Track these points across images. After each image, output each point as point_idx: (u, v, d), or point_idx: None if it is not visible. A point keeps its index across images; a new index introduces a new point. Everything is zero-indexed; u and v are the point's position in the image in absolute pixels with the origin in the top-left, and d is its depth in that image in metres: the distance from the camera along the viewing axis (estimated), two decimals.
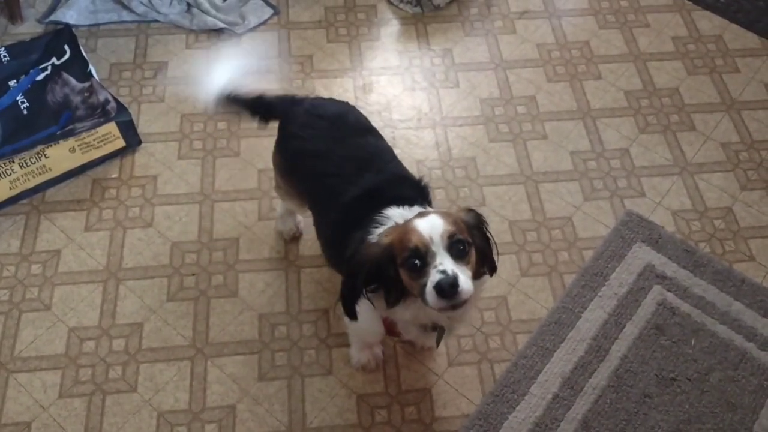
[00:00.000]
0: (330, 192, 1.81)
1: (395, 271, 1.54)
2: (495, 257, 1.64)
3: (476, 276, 1.59)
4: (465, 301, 1.48)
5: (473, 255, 1.54)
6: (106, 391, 2.08)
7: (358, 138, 1.90)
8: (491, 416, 2.04)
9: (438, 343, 2.00)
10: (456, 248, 1.49)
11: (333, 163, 1.83)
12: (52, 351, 2.15)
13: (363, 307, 1.67)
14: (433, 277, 1.45)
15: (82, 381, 2.09)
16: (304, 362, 2.15)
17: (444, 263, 1.46)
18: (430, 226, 1.49)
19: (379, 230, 1.63)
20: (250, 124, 2.66)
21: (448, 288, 1.43)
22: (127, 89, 2.78)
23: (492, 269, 1.66)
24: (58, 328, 2.19)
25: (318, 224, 1.95)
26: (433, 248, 1.47)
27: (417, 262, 1.49)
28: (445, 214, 1.54)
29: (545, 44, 3.02)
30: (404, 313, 1.65)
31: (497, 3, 3.15)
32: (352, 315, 1.67)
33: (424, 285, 1.47)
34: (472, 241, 1.54)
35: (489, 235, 1.63)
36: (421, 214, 1.56)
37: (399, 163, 1.90)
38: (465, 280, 1.45)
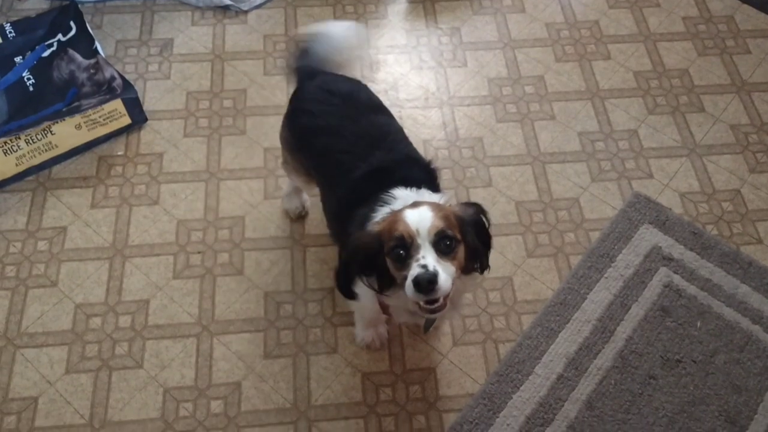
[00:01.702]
0: (340, 168, 1.80)
1: (383, 260, 1.55)
2: (488, 256, 1.65)
3: (466, 271, 1.60)
4: (443, 298, 1.50)
5: (461, 252, 1.54)
6: (112, 367, 2.09)
7: (371, 116, 1.89)
8: (495, 396, 2.04)
9: (426, 329, 2.01)
10: (442, 244, 1.49)
11: (344, 139, 1.82)
12: (59, 327, 2.16)
13: (360, 285, 1.69)
14: (414, 270, 1.46)
15: (89, 357, 2.11)
16: (309, 340, 2.16)
17: (427, 257, 1.47)
18: (419, 218, 1.49)
19: (384, 209, 1.63)
20: (256, 102, 2.66)
21: (425, 283, 1.44)
22: (132, 66, 2.76)
23: (483, 267, 1.65)
24: (65, 305, 2.20)
25: (325, 199, 1.95)
26: (419, 241, 1.48)
27: (401, 252, 1.50)
28: (437, 207, 1.53)
29: (554, 23, 2.99)
30: (390, 299, 1.67)
31: None
32: (349, 295, 1.71)
33: (406, 277, 1.48)
34: (462, 238, 1.54)
35: (488, 233, 1.62)
36: (414, 204, 1.56)
37: (409, 144, 1.90)
38: (445, 278, 1.46)
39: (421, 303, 1.52)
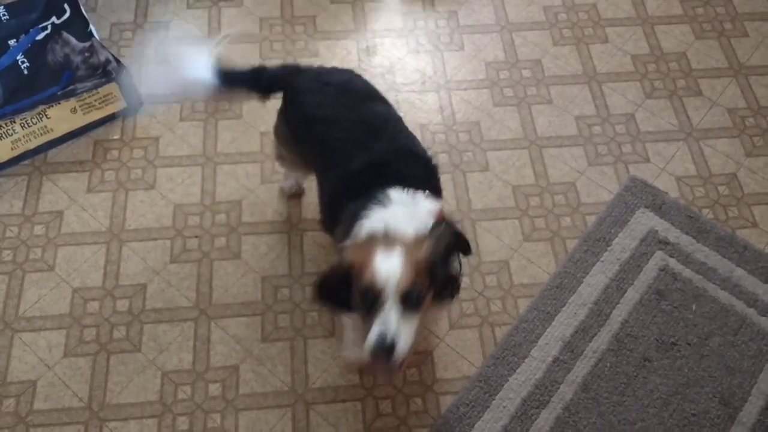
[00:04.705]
0: (338, 156, 1.78)
1: (349, 288, 1.53)
2: (459, 284, 1.64)
3: (436, 300, 1.58)
4: (399, 361, 1.48)
5: (429, 299, 1.53)
6: (110, 351, 2.10)
7: (368, 104, 1.87)
8: (492, 378, 2.06)
9: None
10: (410, 300, 1.47)
11: (343, 128, 1.80)
12: (57, 311, 2.16)
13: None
14: (374, 331, 1.45)
15: (87, 341, 2.11)
16: (306, 324, 2.16)
17: (390, 317, 1.45)
18: (388, 270, 1.46)
19: (377, 210, 1.62)
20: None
21: (382, 352, 1.44)
22: (127, 49, 2.74)
23: (453, 296, 1.64)
24: (62, 289, 2.20)
25: (321, 187, 1.94)
26: (385, 295, 1.46)
27: (368, 300, 1.48)
28: (410, 253, 1.48)
29: (552, 6, 2.97)
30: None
31: None
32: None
33: (368, 330, 1.47)
34: (437, 275, 1.51)
35: (459, 260, 1.61)
36: (389, 241, 1.51)
37: (410, 134, 1.87)
38: (404, 341, 1.45)
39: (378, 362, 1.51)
